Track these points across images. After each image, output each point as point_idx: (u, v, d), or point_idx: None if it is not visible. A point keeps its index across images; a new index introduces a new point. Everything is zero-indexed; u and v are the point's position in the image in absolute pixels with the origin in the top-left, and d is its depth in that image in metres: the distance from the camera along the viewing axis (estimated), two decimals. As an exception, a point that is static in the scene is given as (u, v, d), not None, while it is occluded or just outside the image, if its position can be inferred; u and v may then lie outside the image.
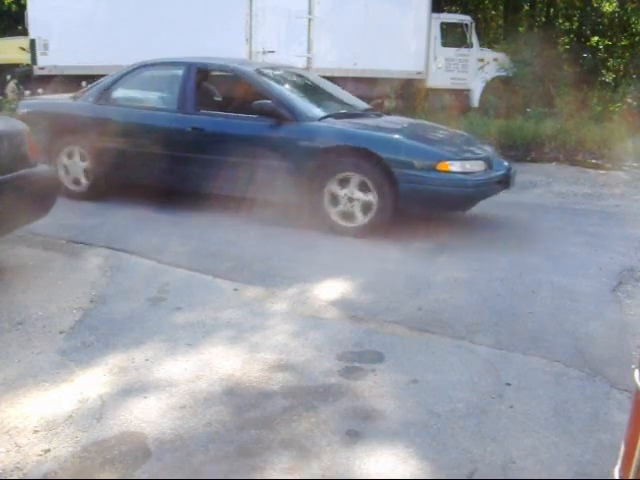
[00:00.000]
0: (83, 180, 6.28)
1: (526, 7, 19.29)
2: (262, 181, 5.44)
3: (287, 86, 6.14)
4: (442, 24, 13.87)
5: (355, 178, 5.20)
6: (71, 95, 6.80)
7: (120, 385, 2.86)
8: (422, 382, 2.99)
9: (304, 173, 5.31)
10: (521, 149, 10.17)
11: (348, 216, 5.30)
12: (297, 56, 11.74)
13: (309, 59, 11.94)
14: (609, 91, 13.97)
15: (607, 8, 17.65)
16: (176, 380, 2.92)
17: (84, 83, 10.22)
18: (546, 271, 4.62)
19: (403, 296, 4.05)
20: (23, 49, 10.78)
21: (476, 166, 5.26)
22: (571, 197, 7.35)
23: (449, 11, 15.83)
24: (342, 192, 5.26)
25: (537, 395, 2.92)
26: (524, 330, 3.62)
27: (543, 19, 19.20)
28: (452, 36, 13.92)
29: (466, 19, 14.21)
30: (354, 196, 5.23)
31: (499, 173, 5.43)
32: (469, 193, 5.21)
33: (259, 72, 6.03)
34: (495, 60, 14.21)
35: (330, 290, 4.10)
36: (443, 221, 5.84)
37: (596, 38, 17.62)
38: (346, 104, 6.39)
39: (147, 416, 2.63)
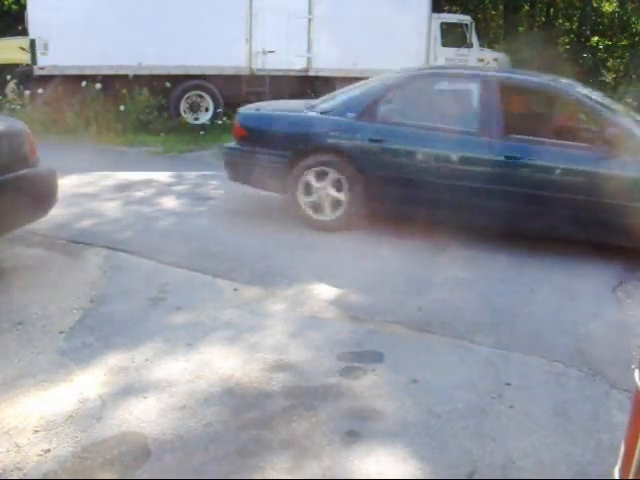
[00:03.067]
0: (328, 209, 5.36)
1: (526, 7, 19.30)
2: (599, 222, 4.82)
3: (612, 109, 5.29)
4: (442, 24, 13.88)
5: None
6: (307, 105, 5.93)
7: (120, 385, 2.86)
8: (422, 382, 2.99)
9: None
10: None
11: None
12: (297, 56, 11.74)
13: (309, 59, 11.94)
14: (609, 91, 13.96)
15: (607, 8, 17.66)
16: (176, 380, 2.92)
17: (84, 83, 10.22)
18: (546, 271, 4.62)
19: (403, 296, 4.04)
20: (23, 49, 10.76)
21: None
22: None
23: (449, 11, 15.84)
24: None
25: (537, 395, 2.92)
26: (524, 330, 3.62)
27: (543, 19, 19.21)
28: (452, 36, 13.94)
29: (466, 19, 14.22)
30: None
31: None
32: None
33: (584, 94, 5.28)
34: (495, 60, 14.22)
35: (330, 290, 4.10)
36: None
37: (596, 38, 17.64)
38: None
39: (147, 416, 2.62)
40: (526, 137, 5.04)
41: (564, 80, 5.75)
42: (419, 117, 5.32)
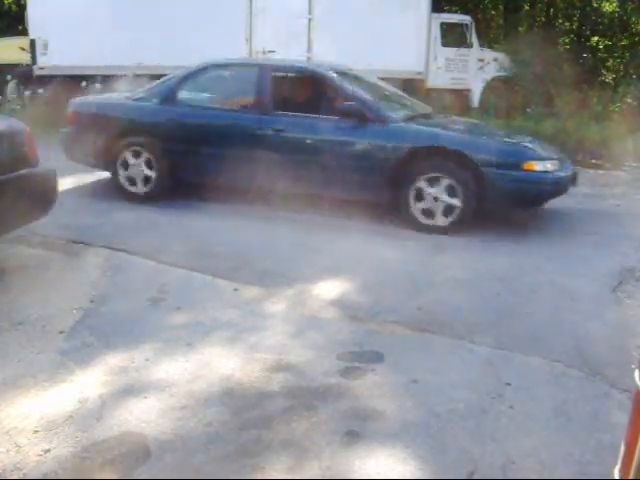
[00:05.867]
0: (140, 182, 6.23)
1: (526, 7, 19.27)
2: (346, 180, 5.68)
3: (363, 88, 6.16)
4: (442, 24, 13.86)
5: (442, 178, 5.40)
6: (126, 95, 6.75)
7: (120, 385, 2.86)
8: (422, 382, 2.99)
9: (388, 172, 5.52)
10: (521, 149, 10.13)
11: (430, 214, 5.51)
12: (297, 56, 11.75)
13: (309, 59, 11.95)
14: (609, 91, 13.95)
15: (607, 8, 17.63)
16: (176, 380, 2.92)
17: (84, 83, 10.23)
18: (546, 271, 4.62)
19: (403, 296, 4.04)
20: (23, 49, 10.77)
21: (553, 165, 5.60)
22: (571, 197, 7.33)
23: (449, 11, 15.81)
24: (428, 191, 5.44)
25: (537, 395, 2.92)
26: (524, 330, 3.62)
27: (543, 19, 19.18)
28: (452, 36, 13.90)
29: (466, 19, 14.20)
30: (440, 197, 5.43)
31: (570, 172, 5.80)
32: (550, 190, 5.56)
33: (338, 74, 6.13)
34: (495, 60, 14.20)
35: (330, 290, 4.10)
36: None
37: (596, 38, 17.63)
38: (413, 105, 6.60)
39: (147, 416, 2.63)
40: (289, 112, 5.94)
41: (323, 64, 6.77)
42: (210, 99, 6.44)
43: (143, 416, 2.62)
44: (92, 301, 3.79)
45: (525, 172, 5.35)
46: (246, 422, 2.61)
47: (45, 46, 10.06)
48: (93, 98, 7.26)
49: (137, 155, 6.19)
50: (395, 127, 5.63)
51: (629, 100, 12.73)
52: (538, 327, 3.66)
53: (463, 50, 13.92)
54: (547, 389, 2.98)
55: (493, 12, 19.93)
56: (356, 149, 5.65)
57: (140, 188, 6.23)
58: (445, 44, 13.84)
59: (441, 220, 5.46)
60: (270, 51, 11.42)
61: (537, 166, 5.42)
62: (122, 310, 3.69)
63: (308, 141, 5.77)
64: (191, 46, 10.55)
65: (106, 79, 10.44)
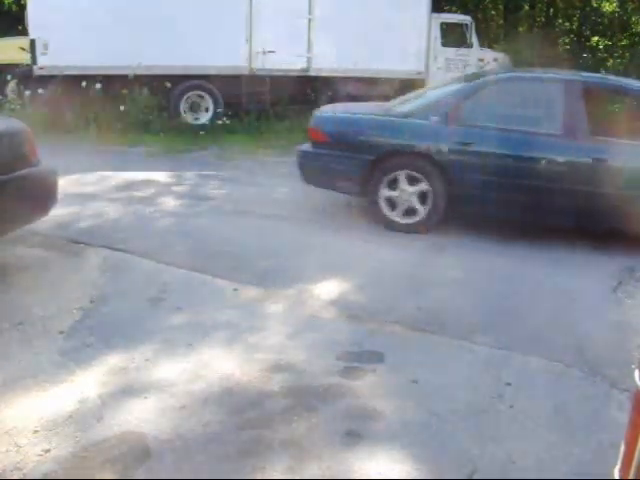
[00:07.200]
0: (417, 209, 5.40)
1: (526, 7, 19.27)
2: None
3: None
4: (442, 24, 13.85)
5: None
6: (384, 109, 5.93)
7: (120, 385, 2.86)
8: (422, 382, 2.98)
9: None
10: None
11: None
12: (297, 56, 11.74)
13: (309, 59, 11.94)
14: (609, 91, 13.94)
15: (607, 8, 17.65)
16: (176, 380, 2.91)
17: (84, 83, 10.22)
18: (546, 271, 4.62)
19: (403, 296, 4.04)
20: (23, 49, 10.75)
21: None
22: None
23: (449, 11, 15.81)
24: None
25: (537, 395, 2.93)
26: (524, 330, 3.62)
27: (543, 19, 19.19)
28: (452, 36, 13.90)
29: (466, 19, 14.20)
30: None
31: None
32: None
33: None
34: (495, 60, 14.19)
35: (330, 290, 4.10)
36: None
37: (596, 38, 17.63)
38: None
39: (147, 416, 2.62)
40: (612, 138, 5.06)
41: None
42: (505, 120, 5.34)
43: (143, 416, 2.62)
44: (92, 301, 3.79)
45: None
46: (246, 422, 2.61)
47: (45, 46, 10.03)
48: (343, 112, 6.16)
49: (406, 181, 5.38)
50: None
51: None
52: (538, 327, 3.66)
53: (463, 50, 13.92)
54: (547, 389, 2.98)
55: (493, 12, 19.93)
56: None
57: (412, 217, 5.42)
58: (445, 44, 13.83)
59: None
60: (270, 51, 11.41)
61: None
62: (122, 310, 3.69)
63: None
64: (191, 46, 10.55)
65: (106, 79, 10.43)
